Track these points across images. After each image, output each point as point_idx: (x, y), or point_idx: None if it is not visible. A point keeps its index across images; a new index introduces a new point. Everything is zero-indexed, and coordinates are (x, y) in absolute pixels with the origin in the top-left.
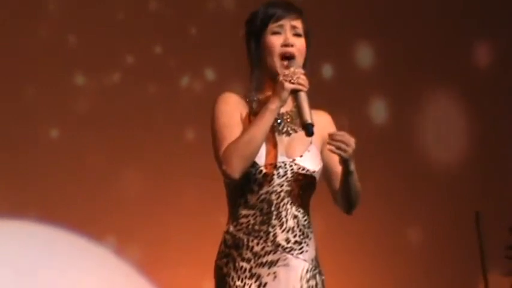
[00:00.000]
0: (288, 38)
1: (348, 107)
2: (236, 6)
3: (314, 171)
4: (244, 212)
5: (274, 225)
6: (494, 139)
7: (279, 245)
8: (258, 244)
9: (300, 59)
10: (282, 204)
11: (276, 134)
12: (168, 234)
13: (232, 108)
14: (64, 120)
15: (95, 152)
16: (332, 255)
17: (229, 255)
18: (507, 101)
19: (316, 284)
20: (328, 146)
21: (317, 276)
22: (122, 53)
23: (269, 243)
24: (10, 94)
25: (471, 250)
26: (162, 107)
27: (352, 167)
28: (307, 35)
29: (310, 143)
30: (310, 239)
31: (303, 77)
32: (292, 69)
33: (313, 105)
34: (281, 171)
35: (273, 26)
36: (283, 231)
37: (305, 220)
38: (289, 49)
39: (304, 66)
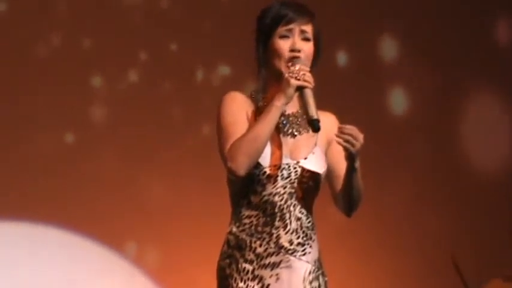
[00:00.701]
0: (295, 42)
1: (366, 97)
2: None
3: (318, 174)
4: (247, 212)
5: (278, 227)
6: None
7: (281, 246)
8: (260, 245)
9: (306, 62)
10: (285, 206)
11: (281, 135)
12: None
13: (238, 107)
14: (80, 124)
15: (112, 156)
16: (369, 260)
17: (232, 256)
18: None
19: (319, 286)
20: (336, 139)
21: (320, 277)
22: (137, 53)
23: (272, 245)
24: (25, 99)
25: None
26: (180, 105)
27: (358, 164)
28: (317, 39)
29: (315, 144)
30: (313, 241)
31: (308, 74)
32: (297, 66)
33: (336, 93)
34: (285, 172)
35: (281, 29)
36: (286, 232)
37: (308, 222)
38: (296, 54)
39: (312, 69)
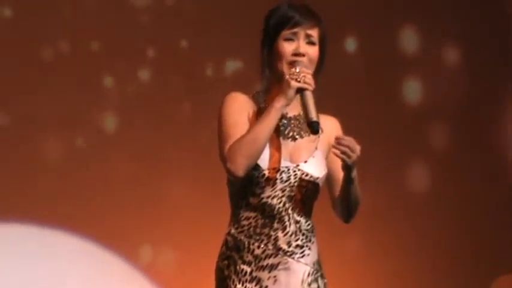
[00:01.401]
0: (299, 46)
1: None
2: None
3: (318, 178)
4: (246, 214)
5: (276, 229)
6: None
7: (280, 248)
8: (259, 247)
9: (309, 66)
10: (284, 209)
11: (281, 138)
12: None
13: (239, 108)
14: (92, 126)
15: (124, 156)
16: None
17: (230, 258)
18: None
19: (318, 287)
20: (333, 149)
21: (319, 279)
22: (146, 51)
23: (270, 247)
24: (35, 101)
25: None
26: (191, 103)
27: (354, 174)
28: (323, 43)
29: (316, 148)
30: (312, 243)
31: (309, 76)
32: (298, 68)
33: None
34: (284, 176)
35: (287, 32)
36: (285, 235)
37: (308, 225)
38: (299, 58)
39: (317, 72)
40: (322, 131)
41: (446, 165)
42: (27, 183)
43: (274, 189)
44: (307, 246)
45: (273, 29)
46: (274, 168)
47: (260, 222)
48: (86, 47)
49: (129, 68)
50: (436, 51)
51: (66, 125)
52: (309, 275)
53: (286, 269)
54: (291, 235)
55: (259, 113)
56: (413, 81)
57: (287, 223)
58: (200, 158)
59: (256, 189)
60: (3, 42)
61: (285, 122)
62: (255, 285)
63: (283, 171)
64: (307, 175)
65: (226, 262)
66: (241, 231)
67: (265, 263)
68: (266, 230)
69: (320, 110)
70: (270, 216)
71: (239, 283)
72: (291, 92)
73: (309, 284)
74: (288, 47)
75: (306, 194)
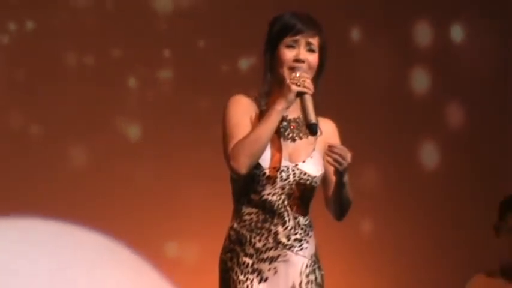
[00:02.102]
0: (300, 53)
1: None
2: None
3: (315, 177)
4: (247, 210)
5: (276, 224)
6: None
7: (279, 242)
8: (260, 241)
9: (309, 71)
10: (283, 205)
11: (282, 139)
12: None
13: (242, 110)
14: (114, 129)
15: (147, 158)
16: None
17: (233, 251)
18: None
19: (316, 278)
20: (325, 157)
21: (316, 271)
22: (164, 54)
23: (270, 240)
24: (59, 107)
25: None
26: (210, 102)
27: (346, 178)
28: (323, 51)
29: (314, 149)
30: (310, 237)
31: (308, 81)
32: (298, 73)
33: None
34: (284, 174)
35: (288, 39)
36: (284, 229)
37: (306, 220)
38: (299, 64)
39: (316, 78)
40: (321, 133)
41: (459, 145)
42: (54, 186)
43: (274, 187)
44: (305, 240)
45: (276, 36)
46: (274, 168)
47: (261, 217)
48: (108, 55)
49: (149, 73)
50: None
51: (90, 128)
52: (306, 266)
53: (286, 261)
54: (290, 230)
55: (260, 115)
56: (427, 64)
57: (286, 218)
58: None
59: (257, 186)
60: (29, 53)
61: (285, 124)
62: (257, 276)
63: (283, 170)
64: (305, 174)
65: (229, 255)
66: (243, 226)
67: (265, 256)
68: (267, 225)
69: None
70: (270, 212)
71: (241, 274)
72: (291, 96)
73: (307, 275)
74: (288, 54)
75: (304, 191)
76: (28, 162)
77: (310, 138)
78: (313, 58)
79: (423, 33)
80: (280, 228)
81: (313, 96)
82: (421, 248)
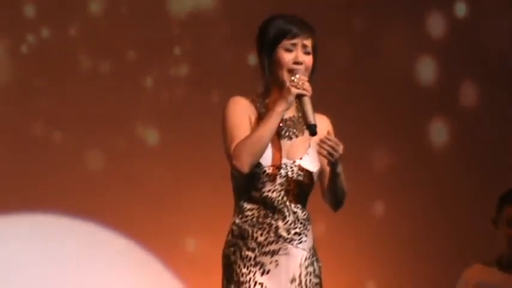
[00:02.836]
0: (298, 56)
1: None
2: None
3: (312, 172)
4: (249, 206)
5: (277, 219)
6: None
7: (280, 236)
8: (261, 235)
9: (305, 73)
10: (282, 201)
11: (279, 138)
12: None
13: (242, 111)
14: (131, 130)
15: (163, 158)
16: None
17: (236, 245)
18: None
19: (314, 270)
20: (318, 149)
21: (314, 263)
22: (178, 57)
23: (272, 234)
24: (80, 108)
25: None
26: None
27: (339, 169)
28: (315, 51)
29: (309, 146)
30: (308, 231)
31: (307, 83)
32: (297, 76)
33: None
34: (283, 171)
35: (286, 43)
36: (285, 224)
37: (304, 215)
38: (298, 66)
39: (311, 77)
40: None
41: (470, 124)
42: (72, 187)
43: (274, 184)
44: (304, 233)
45: (273, 40)
46: (274, 165)
47: (262, 213)
48: (123, 59)
49: (164, 75)
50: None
51: (107, 131)
52: (306, 259)
53: (286, 254)
54: (290, 224)
55: (259, 116)
56: (438, 44)
57: (286, 213)
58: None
59: (258, 184)
60: (47, 61)
61: (282, 123)
62: (259, 269)
63: (282, 167)
64: (303, 170)
65: (232, 249)
66: (245, 221)
67: (267, 249)
68: (268, 220)
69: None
70: (270, 207)
71: (244, 267)
72: (291, 98)
73: (306, 267)
74: (287, 57)
75: (302, 187)
76: (48, 165)
77: (306, 135)
78: (309, 60)
79: (434, 17)
80: (280, 223)
81: (311, 97)
82: (435, 229)
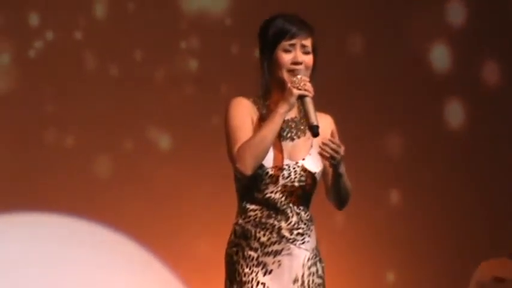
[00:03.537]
0: (297, 56)
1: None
2: None
3: (315, 173)
4: (252, 206)
5: (280, 220)
6: None
7: (283, 236)
8: (264, 235)
9: (306, 72)
10: (285, 202)
11: (281, 139)
12: None
13: (244, 112)
14: (141, 133)
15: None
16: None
17: (239, 245)
18: None
19: (317, 270)
20: (319, 150)
21: (317, 263)
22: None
23: (274, 235)
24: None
25: None
26: None
27: (341, 170)
28: (315, 51)
29: (311, 146)
30: (311, 231)
31: (308, 84)
32: (299, 77)
33: None
34: (285, 173)
35: (285, 44)
36: (288, 224)
37: (307, 216)
38: (297, 67)
39: (311, 76)
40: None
41: (489, 105)
42: (83, 190)
43: (277, 185)
44: (307, 234)
45: (272, 40)
46: (277, 167)
47: (265, 213)
48: (132, 60)
49: (173, 76)
50: None
51: (118, 134)
52: (308, 259)
53: (289, 254)
54: (293, 225)
55: (260, 117)
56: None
57: (290, 214)
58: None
59: (260, 185)
60: (56, 66)
61: (284, 124)
62: (261, 269)
63: (284, 168)
64: (305, 171)
65: (235, 249)
66: (248, 221)
67: (270, 249)
68: (271, 221)
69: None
70: (273, 208)
71: (247, 267)
72: (293, 99)
73: (309, 268)
74: (286, 57)
75: (305, 188)
76: (57, 168)
77: (308, 136)
78: (309, 59)
79: None
80: (283, 224)
81: (313, 98)
82: (454, 216)
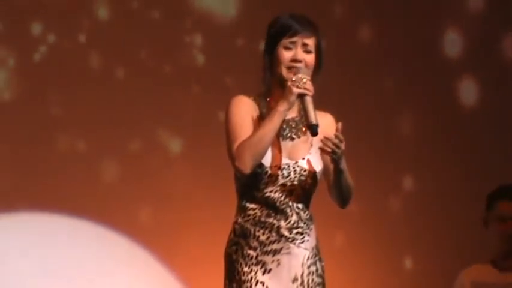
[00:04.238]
0: (297, 54)
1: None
2: None
3: (315, 172)
4: (251, 205)
5: (279, 219)
6: None
7: (282, 235)
8: (263, 234)
9: (306, 71)
10: (285, 201)
11: (281, 139)
12: None
13: (244, 110)
14: (153, 135)
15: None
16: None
17: (238, 244)
18: None
19: (317, 270)
20: (320, 147)
21: (317, 262)
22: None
23: (274, 234)
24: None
25: None
26: None
27: (343, 165)
28: (319, 50)
29: (311, 145)
30: (311, 230)
31: (308, 82)
32: (299, 75)
33: None
34: (285, 172)
35: (286, 41)
36: (287, 223)
37: (307, 215)
38: (296, 64)
39: (314, 76)
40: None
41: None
42: (88, 196)
43: (276, 184)
44: (306, 233)
45: (274, 37)
46: (276, 166)
47: (264, 212)
48: (139, 63)
49: (179, 81)
50: None
51: (128, 138)
52: (308, 258)
53: (288, 253)
54: (293, 224)
55: (261, 116)
56: None
57: (289, 214)
58: None
59: (260, 184)
60: (63, 69)
61: (284, 124)
62: (260, 268)
63: (284, 168)
64: (305, 170)
65: (234, 248)
66: (247, 220)
67: (269, 248)
68: (270, 220)
69: None
70: (272, 207)
71: (246, 266)
72: (293, 98)
73: (308, 267)
74: (286, 54)
75: (305, 187)
76: (72, 172)
77: (308, 135)
78: (310, 58)
79: None
80: (283, 223)
81: (313, 96)
82: (468, 199)
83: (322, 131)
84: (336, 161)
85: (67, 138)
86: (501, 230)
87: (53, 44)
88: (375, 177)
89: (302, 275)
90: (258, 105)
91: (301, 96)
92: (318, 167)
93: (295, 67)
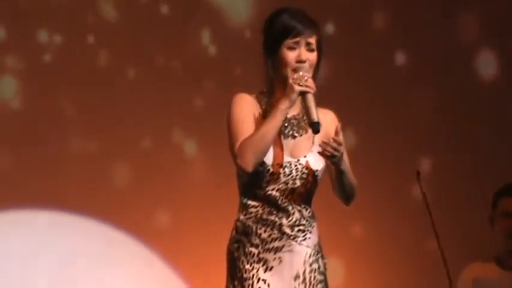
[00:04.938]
0: (301, 54)
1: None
2: None
3: (317, 170)
4: (253, 203)
5: (281, 217)
6: None
7: (284, 232)
8: (265, 232)
9: (310, 70)
10: (287, 199)
11: (282, 137)
12: None
13: (246, 108)
14: (165, 137)
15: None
16: None
17: (240, 241)
18: None
19: (319, 267)
20: (319, 149)
21: (319, 260)
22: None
23: (275, 231)
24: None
25: None
26: None
27: (343, 167)
28: (320, 48)
29: (313, 143)
30: (313, 227)
31: (310, 80)
32: (300, 73)
33: None
34: (287, 170)
35: (289, 42)
36: (289, 221)
37: (308, 212)
38: (302, 64)
39: (315, 74)
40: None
41: None
42: (107, 194)
43: (278, 182)
44: (308, 230)
45: (277, 38)
46: (277, 164)
47: (266, 210)
48: (152, 65)
49: (191, 79)
50: None
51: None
52: (310, 256)
53: (290, 251)
54: (294, 221)
55: (263, 114)
56: None
57: (291, 211)
58: None
59: (261, 182)
60: (75, 70)
61: (285, 122)
62: (262, 266)
63: (285, 166)
64: (307, 168)
65: (236, 245)
66: (249, 218)
67: (271, 246)
68: (272, 217)
69: None
70: (274, 205)
71: (247, 263)
72: (294, 96)
73: (310, 264)
74: (291, 55)
75: (307, 185)
76: (83, 173)
77: (310, 133)
78: (313, 57)
79: None
80: (284, 220)
81: (315, 94)
82: (487, 176)
83: (323, 128)
84: (335, 164)
85: (79, 139)
86: (505, 225)
87: (62, 46)
88: (397, 157)
89: (304, 272)
90: (260, 103)
91: (302, 94)
92: (319, 165)
93: (300, 67)
